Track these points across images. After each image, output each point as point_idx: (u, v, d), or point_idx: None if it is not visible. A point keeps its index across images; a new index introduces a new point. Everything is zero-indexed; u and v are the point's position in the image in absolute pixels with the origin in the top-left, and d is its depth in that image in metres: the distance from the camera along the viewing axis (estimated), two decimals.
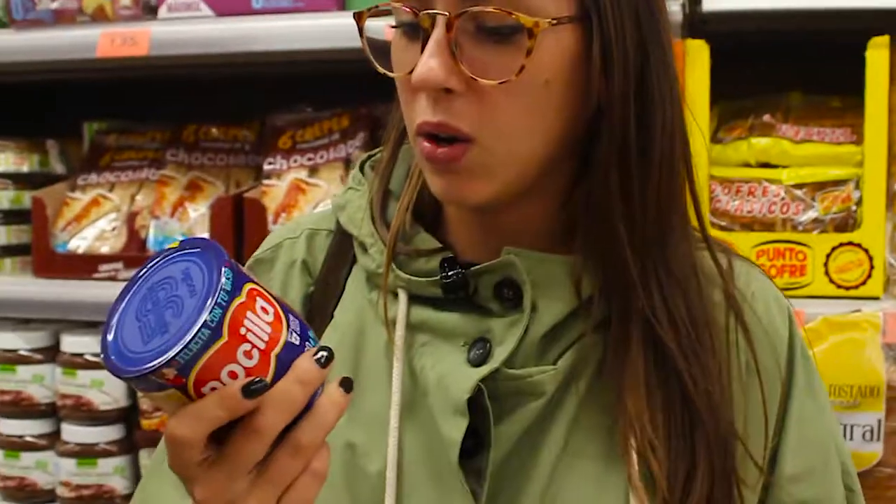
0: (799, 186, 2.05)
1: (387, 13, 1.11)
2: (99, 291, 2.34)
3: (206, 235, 2.40)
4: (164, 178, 2.57)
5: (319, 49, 2.21)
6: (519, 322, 1.14)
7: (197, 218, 2.48)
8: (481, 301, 1.17)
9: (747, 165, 2.10)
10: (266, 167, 2.48)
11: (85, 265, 2.45)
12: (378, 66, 1.11)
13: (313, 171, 2.45)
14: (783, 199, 2.05)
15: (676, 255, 1.15)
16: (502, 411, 1.14)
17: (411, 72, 1.06)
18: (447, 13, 1.04)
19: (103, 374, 2.40)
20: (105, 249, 2.50)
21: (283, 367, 0.93)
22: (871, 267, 1.98)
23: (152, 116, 2.78)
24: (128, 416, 2.48)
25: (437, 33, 1.05)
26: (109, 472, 2.43)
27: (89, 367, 2.41)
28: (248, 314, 0.92)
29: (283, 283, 1.31)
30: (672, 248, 1.15)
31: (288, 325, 0.95)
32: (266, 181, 2.45)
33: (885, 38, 1.98)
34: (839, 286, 2.00)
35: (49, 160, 2.77)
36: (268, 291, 0.95)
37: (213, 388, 0.91)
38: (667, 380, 1.13)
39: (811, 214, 2.04)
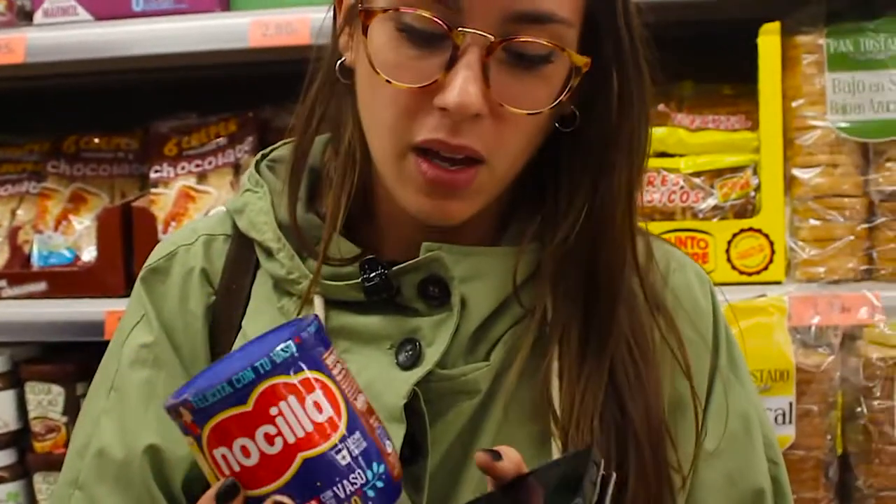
0: (697, 174, 2.06)
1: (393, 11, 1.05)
2: None
3: (93, 248, 2.33)
4: (45, 190, 2.49)
5: (203, 51, 2.16)
6: (448, 320, 1.11)
7: (83, 231, 2.41)
8: (405, 301, 1.14)
9: None
10: (153, 175, 2.42)
11: None
12: (378, 71, 1.05)
13: (202, 177, 2.40)
14: (682, 187, 2.05)
15: (622, 259, 1.15)
16: (437, 414, 1.11)
17: (428, 85, 1.03)
18: (491, 37, 1.02)
19: None
20: None
21: (309, 476, 0.86)
22: (773, 252, 2.00)
23: (31, 128, 2.69)
24: (18, 439, 2.39)
25: (472, 55, 1.02)
26: (3, 499, 2.35)
27: None
28: (290, 398, 0.85)
29: (182, 294, 1.24)
30: (619, 251, 1.15)
31: (341, 441, 0.86)
32: (154, 190, 2.39)
33: (776, 25, 2.00)
34: (742, 272, 2.01)
35: None
36: (348, 397, 0.89)
37: (224, 457, 0.86)
38: (597, 368, 1.12)
39: (711, 202, 2.05)
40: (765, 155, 2.01)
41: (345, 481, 0.86)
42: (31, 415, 2.33)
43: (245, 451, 0.86)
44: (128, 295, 2.16)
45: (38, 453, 2.36)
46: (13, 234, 2.45)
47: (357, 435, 0.88)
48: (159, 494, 1.17)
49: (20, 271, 2.37)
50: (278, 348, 0.86)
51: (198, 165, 2.41)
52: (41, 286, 2.30)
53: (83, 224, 2.42)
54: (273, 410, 0.85)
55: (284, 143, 1.28)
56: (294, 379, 0.86)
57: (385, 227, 1.20)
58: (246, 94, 2.48)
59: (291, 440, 0.85)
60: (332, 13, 1.20)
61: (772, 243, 2.00)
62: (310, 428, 0.85)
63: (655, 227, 2.00)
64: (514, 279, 1.13)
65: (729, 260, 2.01)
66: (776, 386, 1.88)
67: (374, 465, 0.88)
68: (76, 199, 2.48)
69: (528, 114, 1.05)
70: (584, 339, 1.13)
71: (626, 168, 1.12)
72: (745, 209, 2.05)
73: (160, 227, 2.29)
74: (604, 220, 1.13)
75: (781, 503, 1.24)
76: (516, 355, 1.13)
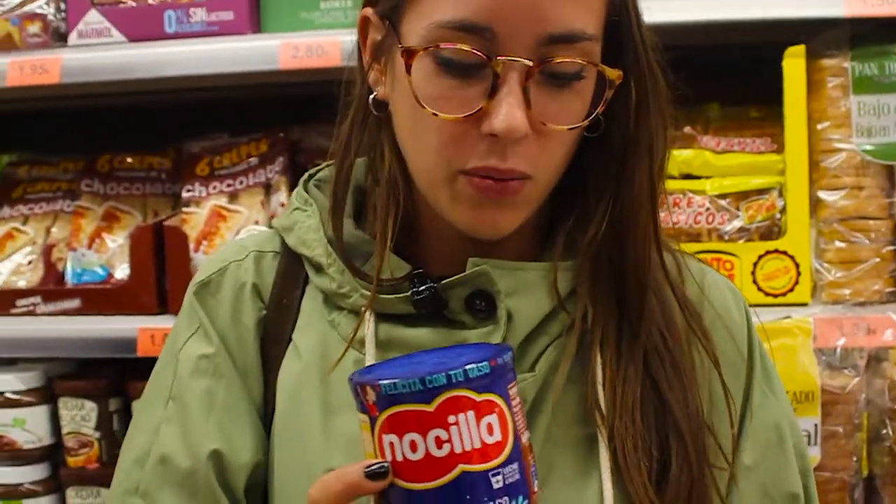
0: (723, 196, 2.07)
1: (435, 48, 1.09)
2: (17, 327, 2.29)
3: (126, 265, 2.36)
4: (79, 209, 2.52)
5: (234, 73, 2.18)
6: (495, 333, 1.15)
7: (116, 249, 2.43)
8: (452, 314, 1.17)
9: (670, 177, 2.11)
10: (185, 195, 2.45)
11: (2, 300, 2.38)
12: (425, 105, 1.09)
13: (233, 197, 2.42)
14: (708, 209, 2.06)
15: (648, 256, 1.20)
16: None
17: (473, 114, 1.07)
18: (529, 63, 1.06)
19: (26, 412, 2.34)
20: (22, 284, 2.44)
21: (461, 487, 0.91)
22: (798, 273, 2.01)
23: (65, 147, 2.73)
24: (52, 454, 2.42)
25: (513, 81, 1.06)
26: None
27: (11, 406, 2.34)
28: (469, 413, 0.91)
29: (234, 308, 1.27)
30: (645, 248, 1.19)
31: (500, 466, 0.92)
32: (185, 209, 2.41)
33: (801, 48, 2.01)
34: (767, 294, 2.02)
35: None
36: (518, 429, 0.94)
37: (391, 444, 0.93)
38: (640, 375, 1.16)
39: (736, 224, 2.06)
40: (790, 177, 2.02)
41: (491, 503, 0.92)
42: (65, 430, 2.36)
43: (413, 446, 0.92)
44: (160, 312, 2.24)
45: (70, 468, 2.39)
46: (48, 251, 2.48)
47: (514, 466, 0.93)
48: (224, 500, 1.21)
49: (54, 288, 2.39)
50: (475, 365, 0.92)
51: (229, 185, 2.44)
52: (75, 303, 2.33)
53: (116, 242, 2.45)
54: (451, 418, 0.91)
55: (328, 165, 1.32)
56: (478, 397, 0.91)
57: (430, 244, 1.24)
58: (276, 115, 2.51)
59: (458, 450, 0.91)
60: (357, 50, 1.23)
61: (797, 265, 2.00)
62: (478, 445, 0.91)
63: (682, 249, 2.02)
64: (558, 292, 1.17)
65: (755, 282, 2.02)
66: (801, 407, 1.89)
67: (520, 497, 0.93)
68: (109, 218, 2.51)
69: (570, 129, 1.10)
70: (619, 336, 1.18)
71: (646, 172, 1.17)
72: (771, 231, 2.06)
73: (192, 246, 2.32)
74: (628, 220, 1.17)
75: None
76: (561, 364, 1.16)
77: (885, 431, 1.97)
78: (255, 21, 2.25)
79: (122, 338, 2.19)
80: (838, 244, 2.01)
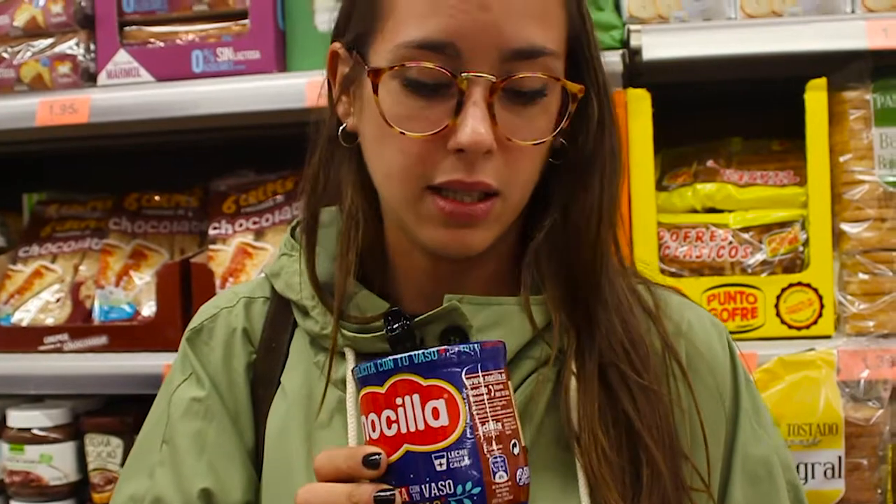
0: (746, 230, 2.07)
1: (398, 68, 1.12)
2: (45, 364, 2.30)
3: (152, 303, 2.38)
4: (107, 247, 2.54)
5: (261, 111, 2.21)
6: None
7: (143, 286, 2.45)
8: None
9: (694, 211, 2.12)
10: (211, 232, 2.46)
11: (30, 338, 2.40)
12: (391, 125, 1.12)
13: (259, 234, 2.44)
14: (731, 242, 2.06)
15: (614, 286, 1.23)
16: None
17: (440, 131, 1.10)
18: (493, 78, 1.09)
19: (53, 449, 2.35)
20: (50, 321, 2.46)
21: (407, 466, 0.98)
22: (822, 306, 2.00)
23: (94, 186, 2.76)
24: (79, 490, 2.42)
25: (477, 97, 1.09)
26: None
27: (37, 442, 2.36)
28: (413, 396, 0.98)
29: (225, 353, 1.32)
30: (612, 278, 1.23)
31: (444, 450, 0.97)
32: (212, 246, 2.43)
33: (823, 81, 2.01)
34: (791, 326, 2.02)
35: None
36: (473, 418, 0.99)
37: (363, 424, 1.03)
38: (596, 387, 1.17)
39: (759, 257, 2.05)
40: (813, 210, 2.02)
41: (433, 484, 0.97)
42: (91, 466, 2.37)
43: (373, 426, 1.00)
44: None
45: None
46: (76, 289, 2.50)
47: (462, 452, 0.97)
48: None
49: (81, 325, 2.41)
50: (420, 352, 0.99)
51: (255, 222, 2.46)
52: (102, 340, 2.34)
53: (143, 279, 2.47)
54: (398, 400, 0.98)
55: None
56: (424, 381, 0.98)
57: (404, 281, 1.27)
58: (302, 153, 2.52)
59: (404, 430, 0.98)
60: (326, 85, 1.28)
61: (821, 297, 2.00)
62: (421, 426, 0.97)
63: (705, 283, 2.03)
64: (534, 323, 1.19)
65: (778, 314, 2.01)
66: (825, 440, 1.88)
67: (469, 484, 0.97)
68: (137, 256, 2.53)
69: (534, 143, 1.13)
70: (580, 350, 1.20)
71: (599, 181, 1.19)
72: (794, 264, 2.05)
73: (218, 283, 2.33)
74: (578, 225, 1.20)
75: None
76: (539, 397, 1.18)
77: None
78: (282, 60, 2.27)
79: (149, 374, 2.20)
80: (861, 276, 2.01)
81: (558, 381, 1.19)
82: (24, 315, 2.49)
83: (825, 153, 2.02)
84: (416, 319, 1.19)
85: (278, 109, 2.18)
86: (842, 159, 2.04)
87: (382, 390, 0.99)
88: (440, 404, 0.97)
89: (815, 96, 2.01)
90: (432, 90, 1.11)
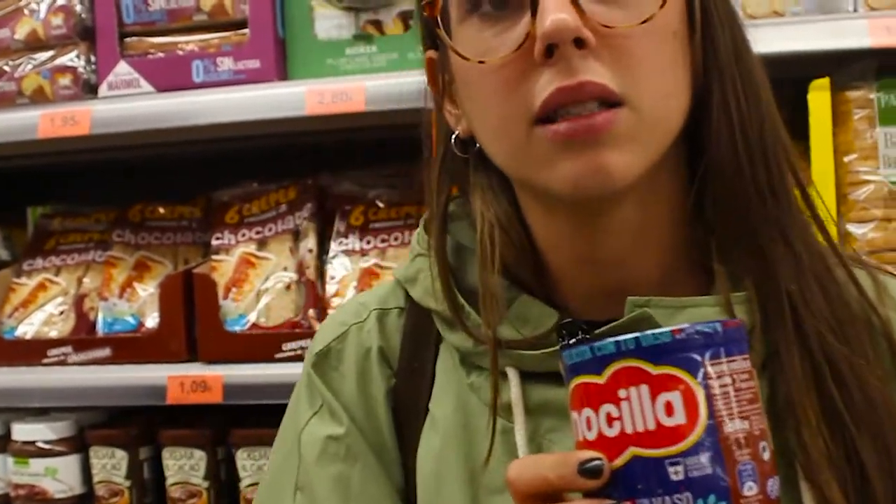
0: None
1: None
2: (49, 377, 2.30)
3: (156, 314, 2.37)
4: (110, 259, 2.53)
5: (262, 120, 2.20)
6: None
7: (146, 297, 2.44)
8: None
9: None
10: (214, 242, 2.46)
11: (33, 351, 2.39)
12: (462, 54, 0.97)
13: (262, 244, 2.43)
14: None
15: (811, 253, 1.04)
16: None
17: (523, 44, 0.93)
18: None
19: (58, 462, 2.35)
20: (53, 334, 2.45)
21: (633, 473, 0.78)
22: None
23: (97, 198, 2.76)
24: (84, 503, 2.41)
25: None
26: None
27: (42, 455, 2.35)
28: (642, 388, 0.78)
29: (360, 379, 1.13)
30: (805, 244, 1.04)
31: (680, 455, 0.77)
32: (215, 256, 2.42)
33: (826, 81, 1.99)
34: None
35: None
36: (717, 414, 0.78)
37: (575, 421, 0.82)
38: (831, 405, 0.97)
39: None
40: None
41: (667, 497, 0.78)
42: (96, 479, 2.36)
43: (588, 424, 0.81)
44: (190, 360, 2.24)
45: None
46: (79, 301, 2.49)
47: (702, 458, 0.78)
48: None
49: (85, 338, 2.40)
50: (650, 332, 0.78)
51: (258, 232, 2.45)
52: (105, 352, 2.33)
53: (147, 291, 2.46)
54: (622, 393, 0.78)
55: (456, 197, 1.16)
56: (654, 370, 0.78)
57: (562, 285, 1.07)
58: (304, 161, 2.52)
59: (629, 430, 0.78)
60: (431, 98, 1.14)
61: None
62: (652, 426, 0.78)
63: None
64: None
65: None
66: None
67: (711, 497, 0.77)
68: (140, 267, 2.52)
69: (641, 23, 0.93)
70: (819, 376, 0.98)
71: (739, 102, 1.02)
72: None
73: (220, 293, 2.32)
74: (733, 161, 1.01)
75: None
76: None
77: None
78: (282, 69, 2.26)
79: (153, 386, 2.19)
80: None
81: (769, 386, 0.99)
82: (28, 328, 2.48)
83: (829, 153, 2.00)
84: (598, 331, 0.95)
85: (279, 118, 2.17)
86: (846, 159, 2.02)
87: (601, 380, 0.79)
88: (675, 397, 0.77)
89: (819, 96, 1.99)
90: (501, 5, 0.95)
